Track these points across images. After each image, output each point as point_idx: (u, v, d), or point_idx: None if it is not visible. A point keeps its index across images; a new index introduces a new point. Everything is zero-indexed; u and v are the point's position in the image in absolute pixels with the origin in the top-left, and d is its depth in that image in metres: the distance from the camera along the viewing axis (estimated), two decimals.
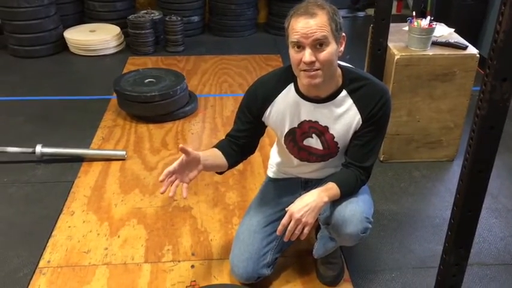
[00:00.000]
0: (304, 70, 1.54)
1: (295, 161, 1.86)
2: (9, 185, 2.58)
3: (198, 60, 4.24)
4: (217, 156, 1.75)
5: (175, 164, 1.56)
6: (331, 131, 1.71)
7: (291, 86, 1.71)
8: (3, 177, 2.63)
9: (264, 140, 2.75)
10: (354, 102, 1.66)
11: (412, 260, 2.11)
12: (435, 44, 2.56)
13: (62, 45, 4.40)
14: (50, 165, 2.74)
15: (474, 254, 2.06)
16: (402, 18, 2.82)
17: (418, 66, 2.50)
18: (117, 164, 2.74)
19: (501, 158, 2.63)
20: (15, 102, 3.52)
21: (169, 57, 4.30)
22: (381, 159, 2.77)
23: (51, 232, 2.22)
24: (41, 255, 2.09)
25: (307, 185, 1.95)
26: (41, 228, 2.25)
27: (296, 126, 1.74)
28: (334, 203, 1.69)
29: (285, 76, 1.71)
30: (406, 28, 2.57)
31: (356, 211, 1.67)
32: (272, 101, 1.73)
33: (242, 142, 1.79)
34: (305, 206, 1.59)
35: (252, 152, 1.87)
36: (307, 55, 1.51)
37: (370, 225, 1.71)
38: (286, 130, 1.76)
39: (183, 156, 1.57)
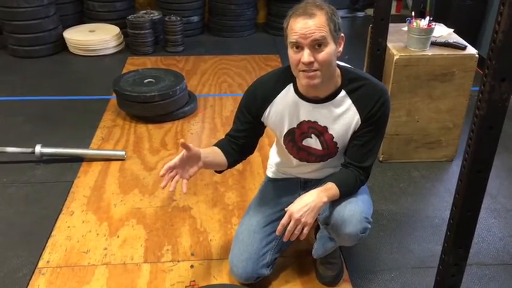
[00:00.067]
0: (303, 71, 1.55)
1: (295, 161, 1.86)
2: (8, 185, 2.57)
3: (198, 61, 4.24)
4: (217, 154, 1.75)
5: (176, 160, 1.56)
6: (330, 131, 1.72)
7: (290, 86, 1.71)
8: (3, 177, 2.63)
9: (264, 140, 2.76)
10: (353, 102, 1.67)
11: (412, 260, 2.11)
12: (434, 44, 2.56)
13: (62, 45, 4.40)
14: (49, 165, 2.74)
15: (473, 254, 2.06)
16: (401, 19, 2.82)
17: (417, 66, 2.50)
18: (116, 164, 2.74)
19: (500, 158, 2.63)
20: (14, 102, 3.52)
21: (168, 58, 4.30)
22: (380, 159, 2.77)
23: (51, 232, 2.22)
24: (40, 255, 2.09)
25: (307, 185, 1.95)
26: (41, 228, 2.25)
27: (295, 126, 1.74)
28: (334, 203, 1.69)
29: (284, 76, 1.71)
30: (405, 28, 2.57)
31: (355, 211, 1.67)
32: (271, 101, 1.73)
33: (241, 142, 1.80)
34: (304, 206, 1.59)
35: (251, 152, 1.87)
36: (306, 55, 1.51)
37: (369, 225, 1.71)
38: (286, 130, 1.76)
39: (183, 152, 1.57)
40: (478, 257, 2.13)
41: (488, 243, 2.22)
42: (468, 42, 2.60)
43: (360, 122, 1.68)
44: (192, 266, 2.04)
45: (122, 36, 4.51)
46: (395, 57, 2.48)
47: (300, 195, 1.68)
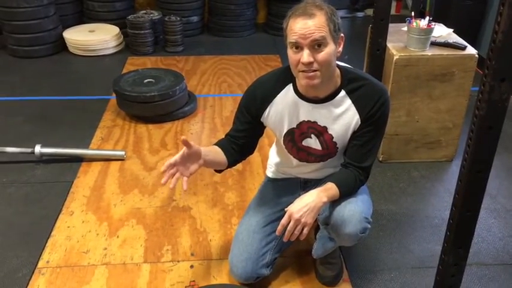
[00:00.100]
0: (303, 71, 1.55)
1: (294, 161, 1.86)
2: (8, 185, 2.57)
3: (197, 61, 4.24)
4: (217, 153, 1.75)
5: (177, 156, 1.56)
6: (330, 131, 1.72)
7: (290, 87, 1.71)
8: (3, 177, 2.63)
9: (263, 140, 2.76)
10: (353, 102, 1.67)
11: (411, 260, 2.11)
12: (434, 44, 2.56)
13: (61, 46, 4.40)
14: (49, 166, 2.74)
15: (473, 254, 2.06)
16: (401, 19, 2.82)
17: (417, 66, 2.50)
18: (116, 164, 2.74)
19: (500, 158, 2.63)
20: (14, 102, 3.52)
21: (168, 58, 4.30)
22: (380, 159, 2.77)
23: (50, 232, 2.22)
24: (40, 255, 2.09)
25: (306, 185, 1.95)
26: (40, 228, 2.25)
27: (295, 126, 1.74)
28: (333, 203, 1.69)
29: (284, 76, 1.71)
30: (405, 28, 2.57)
31: (355, 211, 1.67)
32: (271, 102, 1.73)
33: (241, 142, 1.80)
34: (304, 206, 1.59)
35: (251, 152, 1.87)
36: (306, 56, 1.51)
37: (369, 225, 1.71)
38: (285, 130, 1.76)
39: (184, 149, 1.57)
40: (477, 257, 2.13)
41: (488, 243, 2.22)
42: (468, 43, 2.60)
43: (359, 122, 1.68)
44: (191, 266, 2.04)
45: (122, 36, 4.51)
46: (395, 57, 2.48)
47: (299, 195, 1.69)
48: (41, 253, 2.10)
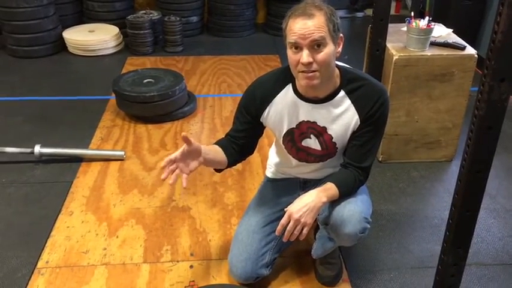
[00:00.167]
0: (302, 71, 1.55)
1: (294, 161, 1.86)
2: (7, 185, 2.57)
3: (197, 61, 4.24)
4: (217, 152, 1.75)
5: (177, 153, 1.56)
6: (329, 132, 1.72)
7: (289, 87, 1.71)
8: (2, 177, 2.63)
9: (263, 140, 2.76)
10: (352, 102, 1.67)
11: (411, 260, 2.12)
12: (433, 44, 2.56)
13: (61, 46, 4.40)
14: (48, 166, 2.74)
15: (472, 254, 2.06)
16: (401, 19, 2.82)
17: (416, 66, 2.50)
18: (115, 164, 2.74)
19: (499, 158, 2.64)
20: (14, 102, 3.52)
21: (168, 58, 4.30)
22: (380, 159, 2.78)
23: (50, 232, 2.22)
24: (40, 255, 2.09)
25: (306, 185, 1.95)
26: (40, 228, 2.25)
27: (294, 126, 1.74)
28: (333, 203, 1.69)
29: (283, 76, 1.71)
30: (405, 28, 2.57)
31: (355, 211, 1.67)
32: (270, 102, 1.73)
33: (241, 142, 1.80)
34: (304, 206, 1.59)
35: (251, 152, 1.87)
36: (305, 56, 1.51)
37: (368, 226, 1.71)
38: (285, 131, 1.76)
39: (185, 146, 1.57)
40: (477, 257, 2.13)
41: (487, 243, 2.22)
42: (467, 43, 2.60)
43: (359, 122, 1.68)
44: (191, 266, 2.04)
45: (121, 37, 4.51)
46: (395, 58, 2.48)
47: (299, 195, 1.68)
48: (41, 253, 2.10)
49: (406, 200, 2.50)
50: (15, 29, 4.19)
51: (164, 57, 4.31)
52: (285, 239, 1.62)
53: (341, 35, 1.59)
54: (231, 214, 2.36)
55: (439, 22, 2.85)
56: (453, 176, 2.24)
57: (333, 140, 1.73)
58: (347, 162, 1.73)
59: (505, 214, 2.41)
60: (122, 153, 2.78)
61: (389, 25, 2.51)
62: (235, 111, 1.82)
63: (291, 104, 1.71)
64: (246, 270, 1.84)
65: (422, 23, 2.48)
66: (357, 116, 1.67)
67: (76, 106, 3.46)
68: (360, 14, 5.56)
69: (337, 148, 1.76)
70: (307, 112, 1.71)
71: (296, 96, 1.70)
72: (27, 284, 1.95)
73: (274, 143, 2.02)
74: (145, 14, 4.47)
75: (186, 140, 1.55)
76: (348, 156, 1.74)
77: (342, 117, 1.69)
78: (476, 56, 2.52)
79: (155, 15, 4.48)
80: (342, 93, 1.67)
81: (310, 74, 1.54)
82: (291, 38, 1.52)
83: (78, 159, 2.77)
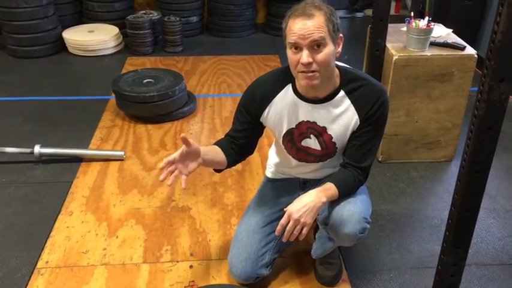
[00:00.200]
0: (302, 71, 1.55)
1: (294, 161, 1.86)
2: (7, 185, 2.57)
3: (197, 61, 4.25)
4: (217, 153, 1.75)
5: (176, 154, 1.56)
6: (329, 132, 1.72)
7: (289, 87, 1.71)
8: (2, 177, 2.63)
9: (263, 140, 2.76)
10: (352, 102, 1.67)
11: (410, 260, 2.12)
12: (433, 44, 2.56)
13: (61, 46, 4.40)
14: (48, 166, 2.74)
15: (472, 254, 2.07)
16: (400, 19, 2.82)
17: (416, 66, 2.50)
18: (115, 165, 2.73)
19: (499, 158, 2.64)
20: (13, 102, 3.52)
21: (167, 58, 4.30)
22: (379, 159, 2.78)
23: (50, 232, 2.22)
24: (39, 255, 2.09)
25: (306, 185, 1.95)
26: (39, 228, 2.25)
27: (294, 126, 1.74)
28: (333, 203, 1.69)
29: (283, 76, 1.71)
30: (404, 29, 2.57)
31: (354, 211, 1.67)
32: (270, 102, 1.73)
33: (241, 142, 1.80)
34: (303, 206, 1.59)
35: (251, 152, 1.87)
36: (305, 56, 1.51)
37: (368, 226, 1.71)
38: (284, 131, 1.76)
39: (183, 147, 1.57)
40: (477, 257, 2.13)
41: (487, 243, 2.22)
42: (467, 43, 2.60)
43: (358, 122, 1.68)
44: (191, 266, 2.04)
45: (121, 37, 4.51)
46: (395, 58, 2.48)
47: (299, 195, 1.68)
48: (40, 253, 2.10)
49: (406, 200, 2.50)
50: (14, 29, 4.19)
51: (164, 57, 4.31)
52: (284, 239, 1.62)
53: (341, 35, 1.59)
54: (231, 214, 2.36)
55: (438, 22, 2.85)
56: (453, 176, 2.24)
57: (333, 140, 1.73)
58: (347, 162, 1.73)
59: (505, 214, 2.41)
60: (122, 153, 2.78)
61: (389, 25, 2.51)
62: (235, 111, 1.82)
63: (290, 104, 1.71)
64: (246, 270, 1.84)
65: (422, 23, 2.48)
66: (356, 116, 1.67)
67: (76, 106, 3.46)
68: (359, 14, 5.56)
69: (336, 148, 1.76)
70: (306, 112, 1.71)
71: (296, 96, 1.70)
72: (27, 284, 1.95)
73: (274, 143, 2.02)
74: (145, 14, 4.47)
75: (185, 141, 1.55)
76: (347, 156, 1.74)
77: (341, 117, 1.69)
78: (476, 56, 2.52)
79: (155, 15, 4.48)
80: (341, 93, 1.67)
81: (310, 74, 1.54)
82: (290, 38, 1.52)
83: (78, 160, 2.77)
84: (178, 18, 4.41)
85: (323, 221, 1.74)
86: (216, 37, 4.88)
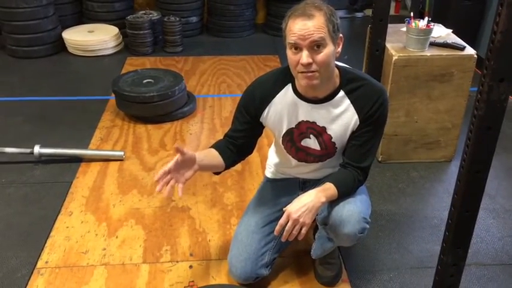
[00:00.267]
0: (302, 72, 1.55)
1: (293, 161, 1.86)
2: (7, 185, 2.57)
3: (197, 61, 4.25)
4: (213, 157, 1.75)
5: (170, 164, 1.56)
6: (328, 132, 1.72)
7: (289, 87, 1.71)
8: (2, 177, 2.63)
9: (262, 140, 2.76)
10: (352, 102, 1.67)
11: (410, 260, 2.12)
12: (433, 44, 2.56)
13: (61, 46, 4.40)
14: (48, 166, 2.74)
15: (472, 254, 2.07)
16: (400, 19, 2.82)
17: (416, 66, 2.50)
18: (115, 165, 2.73)
19: (498, 158, 2.64)
20: (13, 102, 3.52)
21: (167, 58, 4.30)
22: (379, 159, 2.78)
23: (49, 232, 2.22)
24: (39, 255, 2.09)
25: (305, 185, 1.95)
26: (39, 228, 2.25)
27: (294, 126, 1.74)
28: (332, 203, 1.69)
29: (283, 76, 1.71)
30: (404, 29, 2.57)
31: (354, 211, 1.67)
32: (270, 102, 1.73)
33: (240, 142, 1.80)
34: (303, 206, 1.59)
35: (250, 152, 1.87)
36: (305, 57, 1.51)
37: (367, 226, 1.71)
38: (284, 130, 1.76)
39: (178, 156, 1.57)
40: (476, 257, 2.13)
41: (486, 243, 2.22)
42: (467, 43, 2.61)
43: (358, 122, 1.68)
44: (190, 267, 2.04)
45: (121, 37, 4.51)
46: (394, 58, 2.48)
47: (298, 195, 1.68)
48: (40, 253, 2.10)
49: (406, 200, 2.50)
50: (14, 29, 4.19)
51: (164, 58, 4.31)
52: (283, 239, 1.62)
53: (341, 35, 1.59)
54: (231, 214, 2.36)
55: (438, 22, 2.85)
56: (452, 176, 2.24)
57: (332, 140, 1.73)
58: (346, 162, 1.73)
59: (504, 214, 2.41)
60: (122, 153, 2.78)
61: (389, 25, 2.51)
62: (235, 111, 1.82)
63: (290, 104, 1.71)
64: (246, 271, 1.84)
65: (422, 23, 2.49)
66: (356, 116, 1.67)
67: (76, 106, 3.46)
68: (359, 14, 5.56)
69: (336, 148, 1.76)
70: (306, 112, 1.71)
71: (296, 96, 1.70)
72: (26, 284, 1.95)
73: (273, 143, 2.02)
74: (144, 14, 4.47)
75: (179, 151, 1.55)
76: (347, 156, 1.74)
77: (341, 117, 1.69)
78: (475, 56, 2.52)
79: (155, 15, 4.48)
80: (341, 93, 1.67)
81: (310, 74, 1.54)
82: (290, 38, 1.52)
83: (78, 160, 2.77)
84: (178, 19, 4.41)
85: (322, 221, 1.74)
86: (216, 37, 4.89)
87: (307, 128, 1.73)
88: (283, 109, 1.72)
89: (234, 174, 2.64)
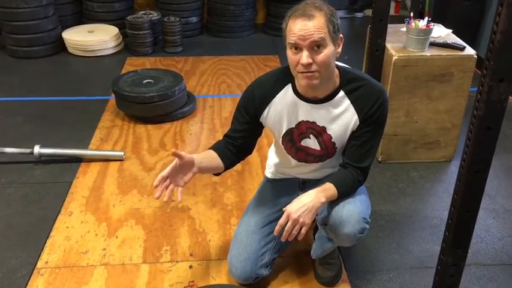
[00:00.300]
0: (302, 72, 1.55)
1: (293, 161, 1.86)
2: (7, 185, 2.57)
3: (197, 61, 4.25)
4: (212, 158, 1.74)
5: (168, 169, 1.56)
6: (328, 132, 1.72)
7: (289, 87, 1.71)
8: (2, 177, 2.63)
9: (262, 140, 2.76)
10: (352, 102, 1.67)
11: (410, 260, 2.12)
12: (433, 44, 2.56)
13: (61, 46, 4.40)
14: (48, 166, 2.74)
15: (472, 255, 2.07)
16: (400, 19, 2.82)
17: (415, 67, 2.50)
18: (115, 165, 2.74)
19: (498, 158, 2.64)
20: (13, 102, 3.52)
21: (167, 58, 4.30)
22: (379, 159, 2.78)
23: (49, 233, 2.22)
24: (39, 255, 2.09)
25: (305, 185, 1.95)
26: (39, 228, 2.25)
27: (294, 126, 1.74)
28: (332, 203, 1.69)
29: (283, 76, 1.71)
30: (404, 29, 2.57)
31: (353, 211, 1.67)
32: (270, 102, 1.73)
33: (239, 142, 1.80)
34: (302, 206, 1.59)
35: (250, 152, 1.87)
36: (305, 57, 1.51)
37: (367, 226, 1.71)
38: (284, 131, 1.76)
39: (176, 160, 1.57)
40: (476, 258, 2.13)
41: (486, 243, 2.22)
42: (467, 43, 2.61)
43: (358, 122, 1.68)
44: (190, 267, 2.04)
45: (121, 37, 4.51)
46: (394, 58, 2.48)
47: (298, 195, 1.68)
48: (40, 253, 2.10)
49: (406, 200, 2.50)
50: (14, 30, 4.19)
51: (164, 58, 4.31)
52: (283, 239, 1.62)
53: (341, 35, 1.59)
54: (231, 214, 2.36)
55: (438, 22, 2.85)
56: (452, 176, 2.24)
57: (332, 140, 1.73)
58: (346, 162, 1.73)
59: (504, 214, 2.41)
60: (122, 153, 2.78)
61: (389, 25, 2.51)
62: (234, 111, 1.82)
63: (290, 104, 1.71)
64: (246, 271, 1.84)
65: (422, 23, 2.49)
66: (356, 116, 1.67)
67: (76, 106, 3.46)
68: (359, 15, 5.57)
69: (336, 148, 1.76)
70: (306, 112, 1.71)
71: (295, 96, 1.70)
72: (26, 284, 1.95)
73: (273, 143, 2.02)
74: (144, 14, 4.47)
75: (177, 155, 1.55)
76: (347, 156, 1.74)
77: (341, 117, 1.69)
78: (475, 56, 2.52)
79: (155, 15, 4.48)
80: (341, 93, 1.67)
81: (310, 74, 1.54)
82: (290, 38, 1.52)
83: (78, 160, 2.77)
84: (178, 19, 4.41)
85: (322, 221, 1.74)
86: (216, 37, 4.89)
87: (307, 128, 1.73)
88: (283, 109, 1.73)
89: (234, 174, 2.64)
